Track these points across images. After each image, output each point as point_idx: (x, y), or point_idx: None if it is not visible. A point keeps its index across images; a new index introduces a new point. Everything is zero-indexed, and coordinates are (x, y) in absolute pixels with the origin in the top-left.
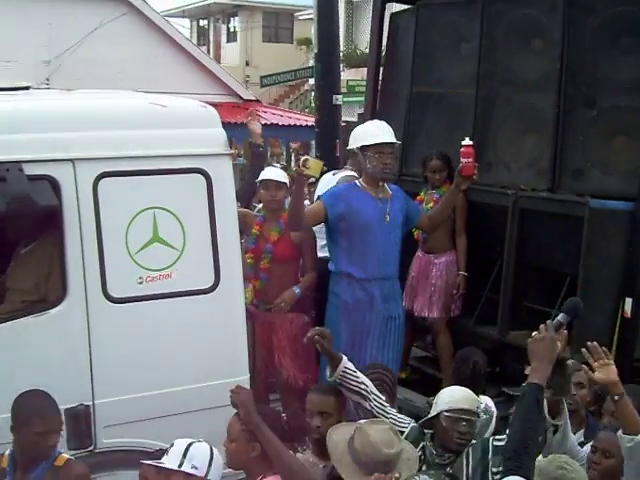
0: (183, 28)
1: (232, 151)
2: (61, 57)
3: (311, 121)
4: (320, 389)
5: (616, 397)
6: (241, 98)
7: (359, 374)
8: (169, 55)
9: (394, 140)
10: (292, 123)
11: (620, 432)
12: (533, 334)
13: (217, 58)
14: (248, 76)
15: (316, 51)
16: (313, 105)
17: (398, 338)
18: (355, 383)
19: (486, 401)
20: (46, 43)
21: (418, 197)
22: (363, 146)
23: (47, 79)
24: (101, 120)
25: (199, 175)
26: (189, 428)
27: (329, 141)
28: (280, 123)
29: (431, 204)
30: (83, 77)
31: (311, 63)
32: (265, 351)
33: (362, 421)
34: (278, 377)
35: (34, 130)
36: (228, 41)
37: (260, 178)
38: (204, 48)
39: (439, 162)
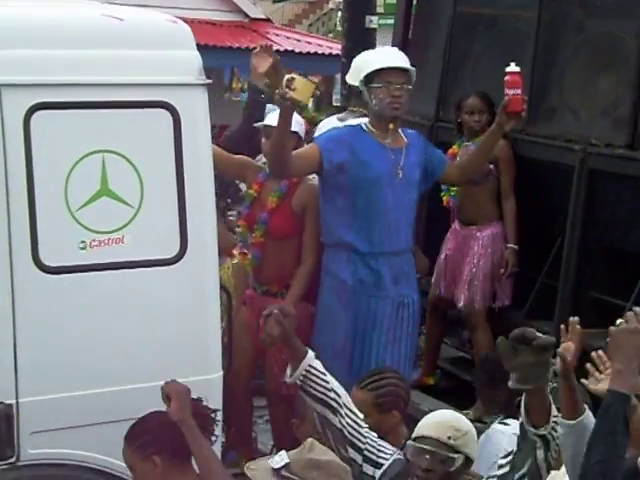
0: None
1: (208, 81)
2: None
3: (337, 49)
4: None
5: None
6: (247, 16)
7: (329, 378)
8: None
9: (406, 66)
10: (312, 50)
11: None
12: (618, 322)
13: None
14: None
15: None
16: (339, 28)
17: (412, 330)
18: (322, 389)
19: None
20: None
21: (450, 150)
22: (366, 77)
23: None
24: (36, 35)
25: (163, 110)
26: None
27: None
28: (296, 50)
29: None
30: None
31: None
32: (253, 345)
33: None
34: (267, 379)
35: None
36: None
37: (263, 123)
38: None
39: (478, 101)
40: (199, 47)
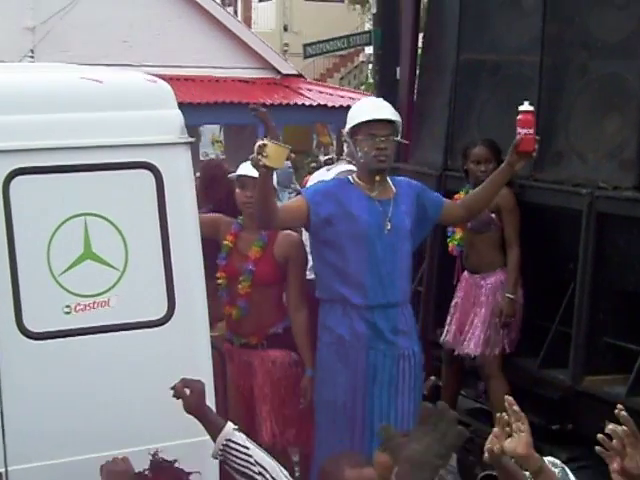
0: None
1: (190, 139)
2: (49, 22)
3: None
4: (355, 462)
5: (527, 473)
6: (279, 73)
7: (253, 451)
8: (186, 18)
9: (392, 117)
10: (344, 104)
11: None
12: (609, 427)
13: (247, 21)
14: (287, 44)
15: (375, 11)
16: (370, 81)
17: (415, 383)
18: (244, 463)
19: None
20: (30, 4)
21: (456, 196)
22: (352, 129)
23: (31, 50)
24: (15, 100)
25: (146, 171)
26: None
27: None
28: (329, 104)
29: None
30: (77, 47)
31: (368, 27)
32: (241, 401)
33: None
34: (256, 435)
35: None
36: (261, 0)
37: (236, 173)
38: (230, 9)
39: (484, 150)
40: (233, 105)
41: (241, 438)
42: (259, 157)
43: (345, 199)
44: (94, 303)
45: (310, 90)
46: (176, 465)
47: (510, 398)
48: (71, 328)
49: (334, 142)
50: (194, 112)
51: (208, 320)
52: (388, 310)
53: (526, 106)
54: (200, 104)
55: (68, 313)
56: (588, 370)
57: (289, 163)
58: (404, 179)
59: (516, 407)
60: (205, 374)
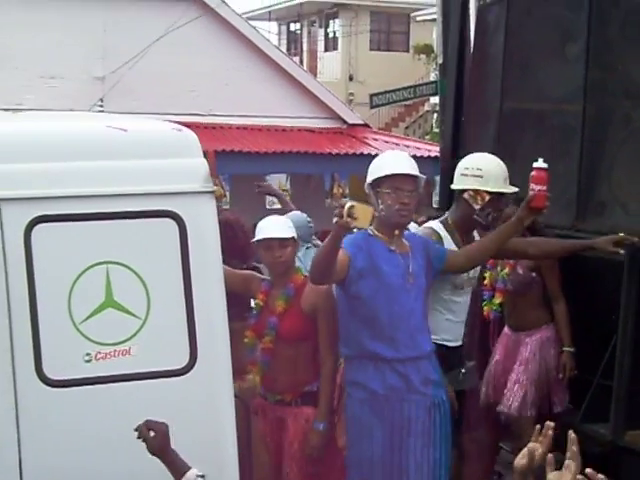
0: (270, 34)
1: (215, 188)
2: (118, 72)
3: (434, 151)
4: None
5: None
6: (345, 122)
7: None
8: (253, 68)
9: (416, 173)
10: (410, 153)
11: None
12: None
13: (313, 71)
14: (352, 94)
15: (441, 62)
16: (436, 130)
17: (446, 431)
18: None
19: None
20: (100, 54)
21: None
22: (375, 182)
23: (101, 99)
24: (37, 149)
25: (169, 220)
26: None
27: None
28: None
29: (507, 269)
30: (145, 96)
31: (433, 77)
32: (272, 457)
33: None
34: None
35: None
36: (327, 50)
37: (259, 237)
38: (296, 59)
39: (515, 209)
40: (299, 154)
41: None
42: (348, 219)
43: (373, 252)
44: (115, 351)
45: (376, 140)
46: None
47: (573, 435)
48: (91, 376)
49: None
50: (260, 161)
51: (231, 370)
52: (418, 362)
53: (540, 163)
54: (267, 153)
55: (89, 361)
56: (630, 425)
57: (308, 218)
58: (411, 233)
59: (576, 447)
60: (227, 425)
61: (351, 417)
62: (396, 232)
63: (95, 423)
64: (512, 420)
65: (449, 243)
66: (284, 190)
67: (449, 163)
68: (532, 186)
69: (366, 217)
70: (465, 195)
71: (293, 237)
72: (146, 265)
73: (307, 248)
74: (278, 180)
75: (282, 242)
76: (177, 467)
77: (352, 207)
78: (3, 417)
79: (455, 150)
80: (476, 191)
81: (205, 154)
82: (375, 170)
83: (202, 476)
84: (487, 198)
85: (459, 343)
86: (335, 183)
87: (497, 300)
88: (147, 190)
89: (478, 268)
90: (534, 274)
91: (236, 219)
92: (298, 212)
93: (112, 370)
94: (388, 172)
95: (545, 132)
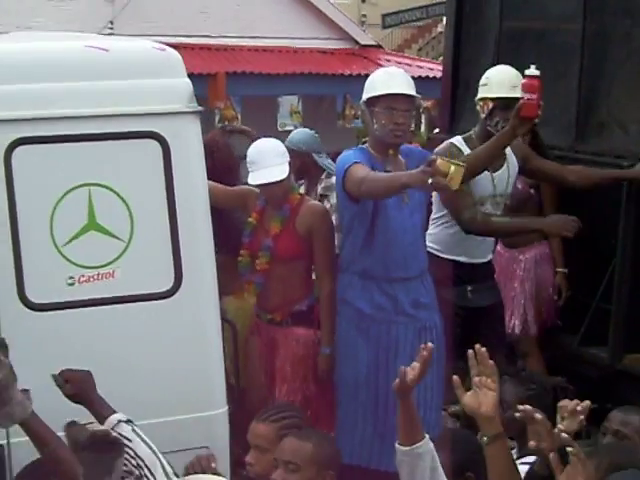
0: None
1: (199, 108)
2: None
3: None
4: (297, 432)
5: (485, 438)
6: (357, 43)
7: (136, 443)
8: None
9: (412, 92)
10: (423, 74)
11: None
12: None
13: None
14: (364, 15)
15: None
16: None
17: (439, 355)
18: (127, 456)
19: None
20: None
21: None
22: (369, 100)
23: (111, 22)
24: (18, 70)
25: (152, 141)
26: None
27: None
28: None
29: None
30: (155, 18)
31: None
32: (265, 377)
33: None
34: None
35: None
36: None
37: (254, 181)
38: None
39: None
40: (311, 76)
41: (126, 430)
42: (438, 180)
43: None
44: (98, 275)
45: (389, 61)
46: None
47: (483, 350)
48: (74, 300)
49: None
50: (272, 83)
51: (218, 293)
52: (407, 283)
53: (532, 70)
54: (278, 75)
55: (71, 284)
56: (628, 348)
57: (312, 131)
58: (407, 146)
59: (491, 362)
60: (214, 347)
61: (339, 336)
62: (390, 152)
63: (79, 347)
64: (515, 340)
65: None
66: (296, 112)
67: (449, 83)
68: (523, 94)
69: (459, 177)
70: (477, 107)
71: (284, 178)
72: (129, 187)
73: (326, 157)
74: (290, 102)
75: (278, 182)
76: (99, 413)
77: (446, 166)
78: None
79: (455, 70)
80: (483, 99)
81: (216, 76)
82: (369, 88)
83: (127, 421)
84: (490, 105)
85: (475, 260)
86: (347, 105)
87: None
88: (129, 111)
89: (503, 189)
90: (532, 191)
91: (223, 140)
92: (302, 129)
93: (95, 293)
94: (382, 91)
95: (545, 51)
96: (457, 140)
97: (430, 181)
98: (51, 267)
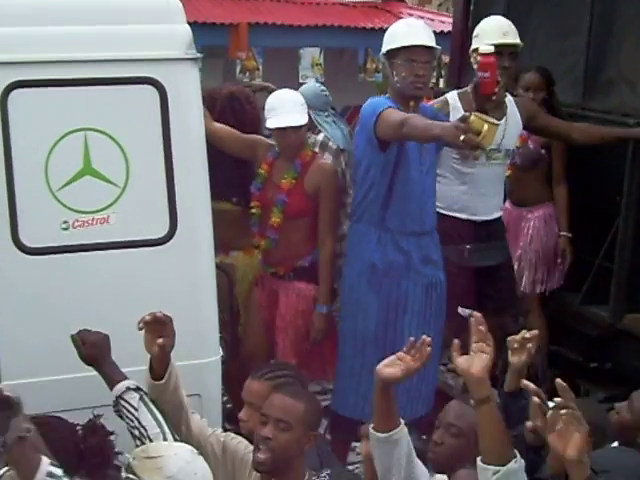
0: None
1: (197, 55)
2: None
3: None
4: (290, 390)
5: (473, 402)
6: None
7: (142, 413)
8: None
9: (432, 44)
10: (445, 29)
11: (479, 460)
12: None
13: None
14: None
15: None
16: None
17: (441, 311)
18: (130, 422)
19: None
20: None
21: None
22: (389, 52)
23: None
24: (14, 12)
25: (149, 87)
26: None
27: None
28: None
29: (518, 142)
30: None
31: None
32: (265, 328)
33: None
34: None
35: None
36: None
37: (273, 125)
38: None
39: (536, 77)
40: (333, 28)
41: (132, 397)
42: (470, 137)
43: None
44: (93, 220)
45: (411, 15)
46: (110, 438)
47: (478, 314)
48: (68, 244)
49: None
50: (294, 34)
51: (213, 241)
52: (421, 238)
53: (485, 47)
54: (300, 26)
55: (66, 229)
56: (629, 307)
57: (322, 87)
58: (423, 105)
59: (483, 327)
60: (207, 295)
61: (347, 288)
62: (411, 104)
63: (72, 291)
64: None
65: (459, 113)
66: (317, 64)
67: (459, 40)
68: (478, 73)
69: (492, 136)
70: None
71: (305, 124)
72: (126, 133)
73: (327, 116)
74: (312, 54)
75: (296, 128)
76: (109, 378)
77: (479, 123)
78: None
79: (465, 25)
80: (474, 50)
81: (238, 26)
82: (389, 40)
83: (136, 388)
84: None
85: (476, 218)
86: (369, 58)
87: (506, 173)
88: (127, 56)
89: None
90: (543, 151)
91: (241, 90)
92: (311, 83)
93: (90, 238)
94: (402, 43)
95: (554, 7)
96: (451, 95)
97: (462, 138)
98: (45, 211)
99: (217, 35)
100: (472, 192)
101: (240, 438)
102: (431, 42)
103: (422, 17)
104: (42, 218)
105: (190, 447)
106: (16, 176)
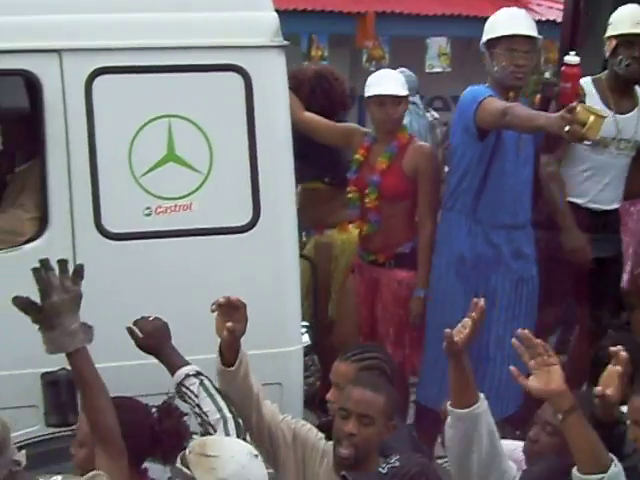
0: None
1: (284, 42)
2: None
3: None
4: (369, 382)
5: (559, 415)
6: None
7: (203, 399)
8: None
9: (533, 33)
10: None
11: (575, 471)
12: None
13: None
14: None
15: None
16: None
17: (531, 308)
18: (191, 408)
19: None
20: None
21: None
22: (489, 41)
23: None
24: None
25: (235, 74)
26: None
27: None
28: (557, 20)
29: None
30: None
31: None
32: (367, 316)
33: None
34: None
35: (4, 11)
36: None
37: (371, 92)
38: None
39: None
40: (461, 18)
41: (192, 383)
42: (576, 128)
43: None
44: (176, 206)
45: (540, 5)
46: (184, 419)
47: (525, 332)
48: (151, 230)
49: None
50: (421, 23)
51: (297, 229)
52: (512, 232)
53: (571, 58)
54: (427, 16)
55: (148, 215)
56: None
57: (407, 71)
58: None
59: (538, 340)
60: (290, 284)
61: (436, 277)
62: (510, 94)
63: (153, 277)
64: (623, 293)
65: (595, 100)
66: (444, 54)
67: (569, 27)
68: (561, 83)
69: (599, 127)
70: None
71: (407, 95)
72: (210, 120)
73: (413, 103)
74: (439, 43)
75: (395, 99)
76: (170, 365)
77: (586, 115)
78: None
79: (576, 14)
80: (608, 38)
81: (366, 15)
82: (490, 30)
83: (196, 374)
84: (614, 43)
85: (596, 206)
86: None
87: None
88: (213, 43)
89: (630, 133)
90: None
91: (329, 70)
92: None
93: (172, 225)
94: (503, 33)
95: None
96: (585, 80)
97: (567, 129)
98: (128, 197)
99: (345, 24)
100: (596, 180)
101: (310, 425)
102: (532, 32)
103: (551, 7)
104: (125, 204)
105: (250, 448)
106: (100, 162)
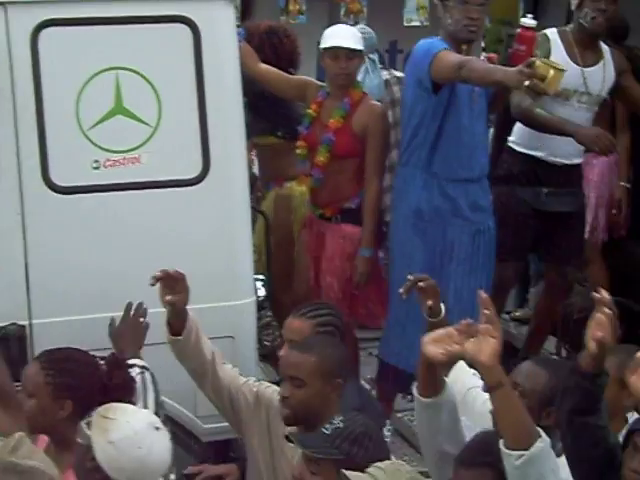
0: None
1: None
2: None
3: None
4: (300, 344)
5: (486, 387)
6: None
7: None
8: None
9: None
10: None
11: (501, 445)
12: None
13: None
14: None
15: None
16: None
17: (489, 259)
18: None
19: None
20: None
21: None
22: None
23: None
24: None
25: (183, 25)
26: (160, 366)
27: None
28: None
29: None
30: None
31: None
32: (314, 269)
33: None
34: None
35: None
36: None
37: (326, 44)
38: None
39: None
40: None
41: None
42: (536, 83)
43: None
44: (124, 159)
45: None
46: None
47: (485, 296)
48: (99, 184)
49: None
50: None
51: (248, 181)
52: (468, 185)
53: (527, 20)
54: None
55: (97, 168)
56: None
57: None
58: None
59: (490, 310)
60: (241, 236)
61: (395, 233)
62: (463, 47)
63: (102, 231)
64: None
65: (559, 51)
66: (422, 8)
67: None
68: (515, 44)
69: (558, 81)
70: None
71: (361, 50)
72: (158, 72)
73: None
74: None
75: (350, 53)
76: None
77: (545, 69)
78: (11, 223)
79: None
80: None
81: None
82: None
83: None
84: None
85: (556, 160)
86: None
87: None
88: None
89: (596, 89)
90: (607, 97)
91: (282, 26)
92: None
93: (121, 178)
94: None
95: None
96: (551, 31)
97: (527, 83)
98: (76, 150)
99: None
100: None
101: (275, 387)
102: None
103: None
104: (73, 157)
105: (153, 420)
106: (47, 115)
